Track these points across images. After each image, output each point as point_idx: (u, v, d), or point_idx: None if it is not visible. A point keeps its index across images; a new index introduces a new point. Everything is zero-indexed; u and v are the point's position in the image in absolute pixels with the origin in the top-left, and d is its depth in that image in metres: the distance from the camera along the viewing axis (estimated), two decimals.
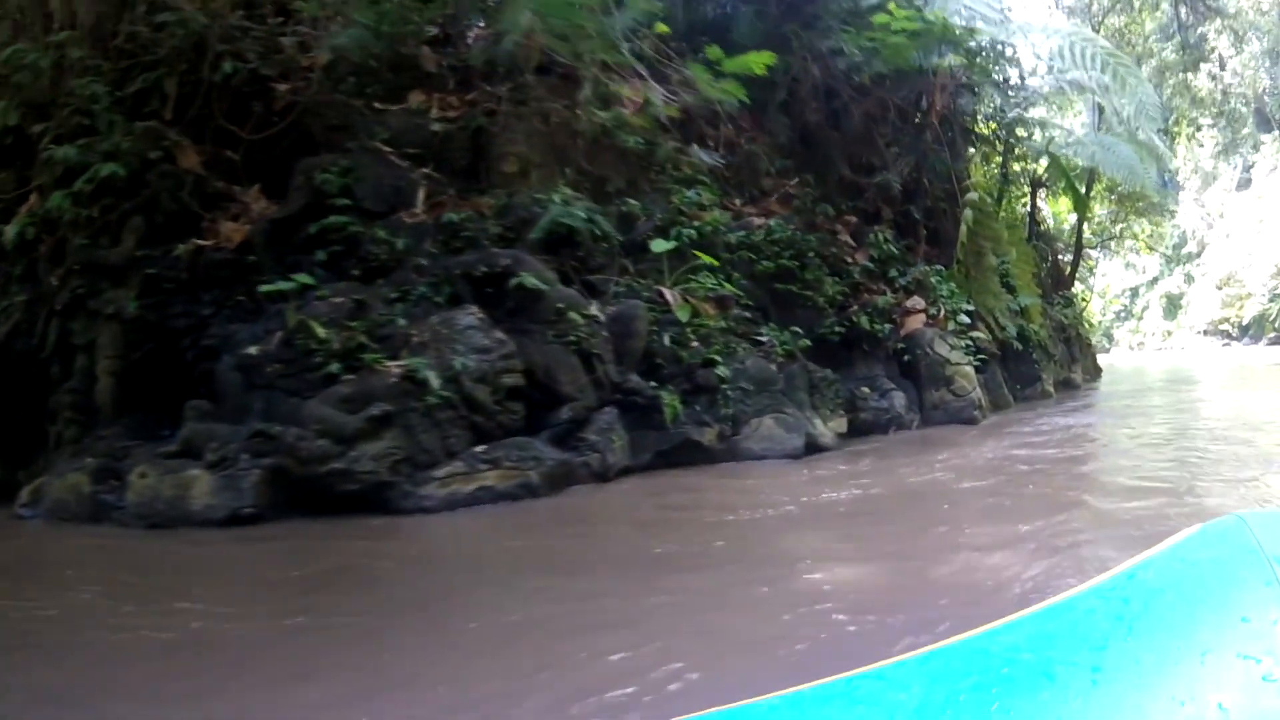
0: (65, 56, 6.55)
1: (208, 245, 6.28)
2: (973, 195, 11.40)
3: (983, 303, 11.45)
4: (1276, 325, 41.09)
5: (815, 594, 3.14)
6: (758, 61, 7.64)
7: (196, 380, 5.91)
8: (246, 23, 6.87)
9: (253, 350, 5.69)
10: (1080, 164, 15.55)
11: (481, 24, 8.06)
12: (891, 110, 11.22)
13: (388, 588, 3.70)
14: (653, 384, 6.65)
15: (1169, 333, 48.11)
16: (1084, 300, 26.92)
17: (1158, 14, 30.28)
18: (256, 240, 6.35)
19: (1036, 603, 0.70)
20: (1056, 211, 23.33)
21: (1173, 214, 36.98)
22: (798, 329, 8.19)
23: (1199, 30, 34.02)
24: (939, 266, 10.87)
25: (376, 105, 7.08)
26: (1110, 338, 50.29)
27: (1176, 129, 31.10)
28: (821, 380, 7.95)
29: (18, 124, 6.66)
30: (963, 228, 10.94)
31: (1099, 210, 23.40)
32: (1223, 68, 37.43)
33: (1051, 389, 13.27)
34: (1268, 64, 38.69)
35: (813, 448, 7.14)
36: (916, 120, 11.57)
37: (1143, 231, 28.14)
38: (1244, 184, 44.78)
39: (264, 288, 5.92)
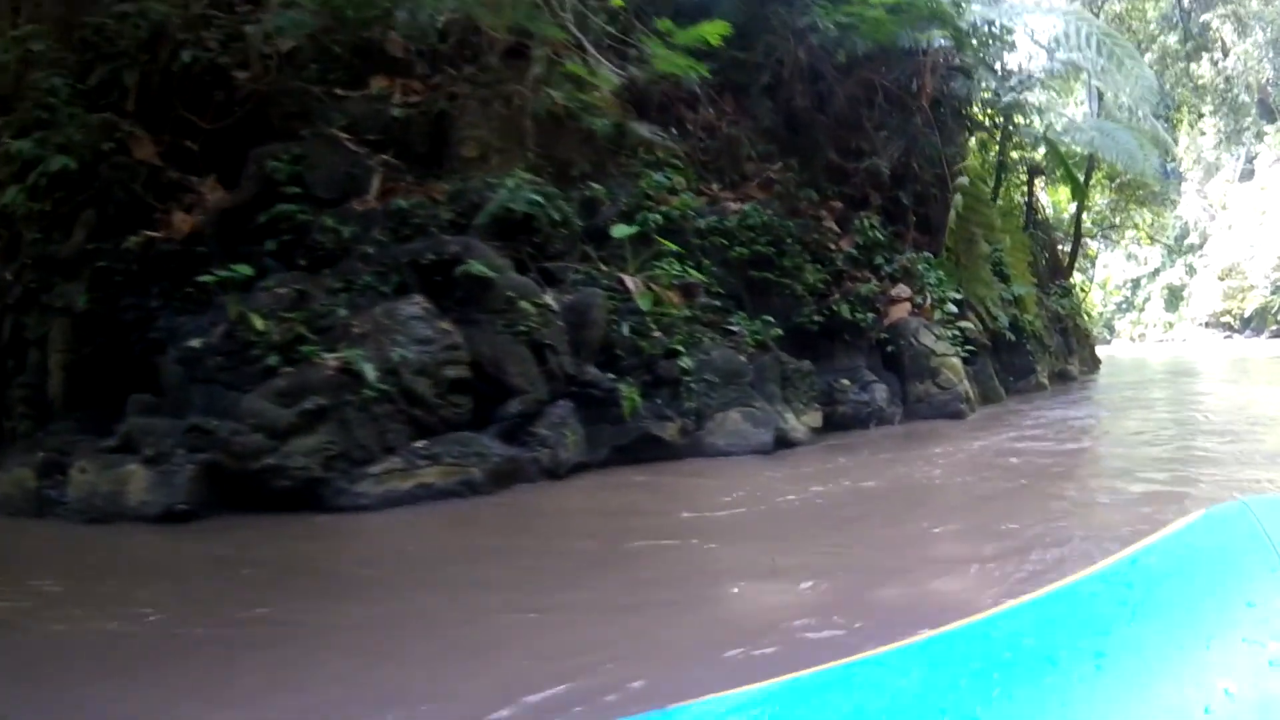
0: (29, 50, 6.47)
1: (158, 237, 6.21)
2: (963, 180, 11.00)
3: (973, 291, 11.07)
4: (1279, 318, 40.59)
5: (728, 621, 2.75)
6: (712, 32, 7.17)
7: (145, 374, 5.82)
8: (211, 10, 6.80)
9: (194, 343, 5.56)
10: (1079, 150, 15.10)
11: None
12: (880, 93, 10.81)
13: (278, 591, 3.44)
14: (611, 376, 6.29)
15: (1170, 324, 47.59)
16: (1083, 291, 26.52)
17: (1160, 1, 29.76)
18: (207, 231, 6.26)
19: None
20: (1056, 200, 22.95)
21: (1175, 204, 36.53)
22: (770, 318, 7.75)
23: (1202, 18, 33.47)
24: (927, 254, 10.46)
25: (338, 92, 6.98)
26: (1111, 329, 49.82)
27: (1178, 117, 30.58)
28: (795, 372, 7.52)
29: None
30: (951, 213, 10.53)
31: (1099, 199, 23.00)
32: (1226, 56, 36.81)
33: (1046, 381, 12.92)
34: (1271, 53, 38.01)
35: (783, 443, 6.77)
36: (906, 103, 11.13)
37: (1144, 222, 27.73)
38: (1247, 175, 44.19)
39: (203, 278, 5.72)
